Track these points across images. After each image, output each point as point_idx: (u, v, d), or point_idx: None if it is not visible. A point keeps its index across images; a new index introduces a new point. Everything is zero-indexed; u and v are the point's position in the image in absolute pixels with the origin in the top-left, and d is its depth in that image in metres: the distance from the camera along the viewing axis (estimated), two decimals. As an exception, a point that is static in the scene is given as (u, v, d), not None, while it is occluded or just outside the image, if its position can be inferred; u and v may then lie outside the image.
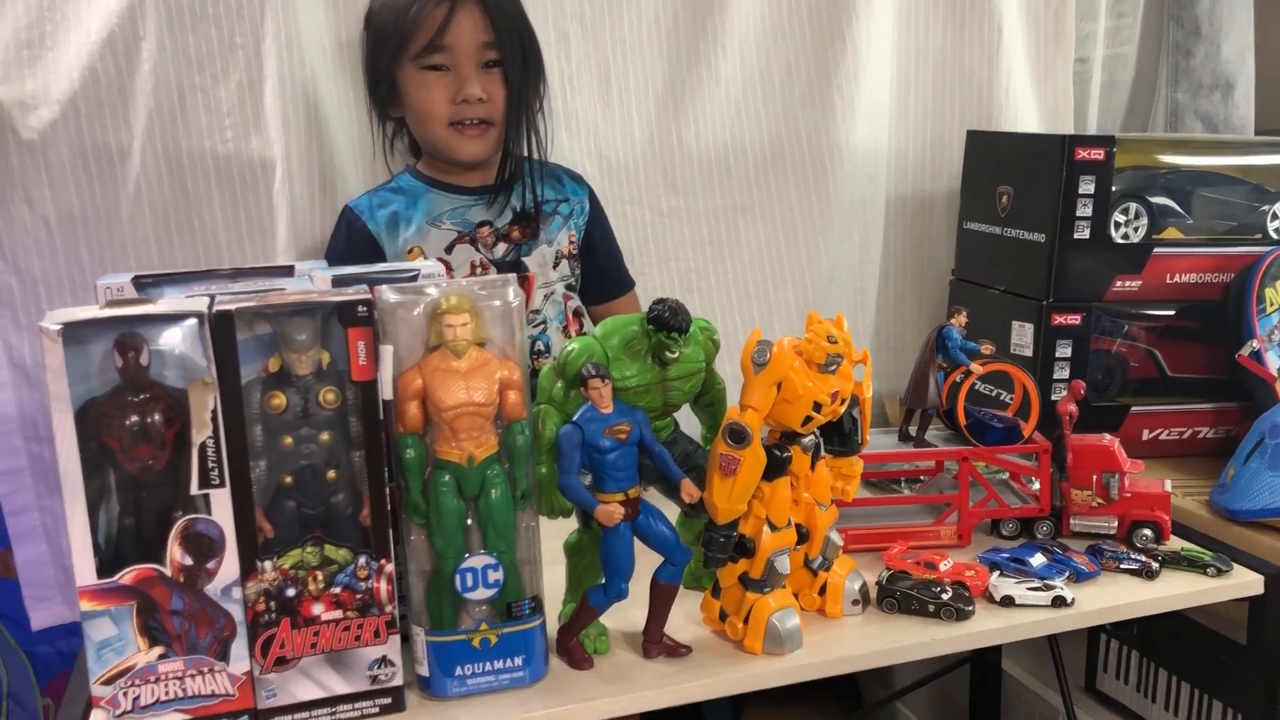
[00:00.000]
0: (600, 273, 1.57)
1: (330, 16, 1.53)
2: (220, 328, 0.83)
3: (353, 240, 1.43)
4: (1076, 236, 1.43)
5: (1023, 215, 1.50)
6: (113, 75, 1.44)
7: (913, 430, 1.24)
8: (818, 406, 0.95)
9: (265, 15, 1.48)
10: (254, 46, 1.49)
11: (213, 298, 0.86)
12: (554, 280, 1.50)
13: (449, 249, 1.44)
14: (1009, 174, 1.55)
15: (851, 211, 1.82)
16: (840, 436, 1.03)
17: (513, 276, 1.01)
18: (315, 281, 0.97)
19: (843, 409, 0.99)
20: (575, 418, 0.92)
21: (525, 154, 1.48)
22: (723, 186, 1.76)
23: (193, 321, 0.82)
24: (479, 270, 1.44)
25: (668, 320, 0.94)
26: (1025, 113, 1.92)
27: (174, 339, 0.82)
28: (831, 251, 1.81)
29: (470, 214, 1.46)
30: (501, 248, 1.46)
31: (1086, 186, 1.41)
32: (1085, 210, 1.42)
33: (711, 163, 1.75)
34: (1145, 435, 1.49)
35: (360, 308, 0.85)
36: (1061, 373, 1.46)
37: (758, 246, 1.79)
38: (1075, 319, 1.45)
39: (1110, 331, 1.49)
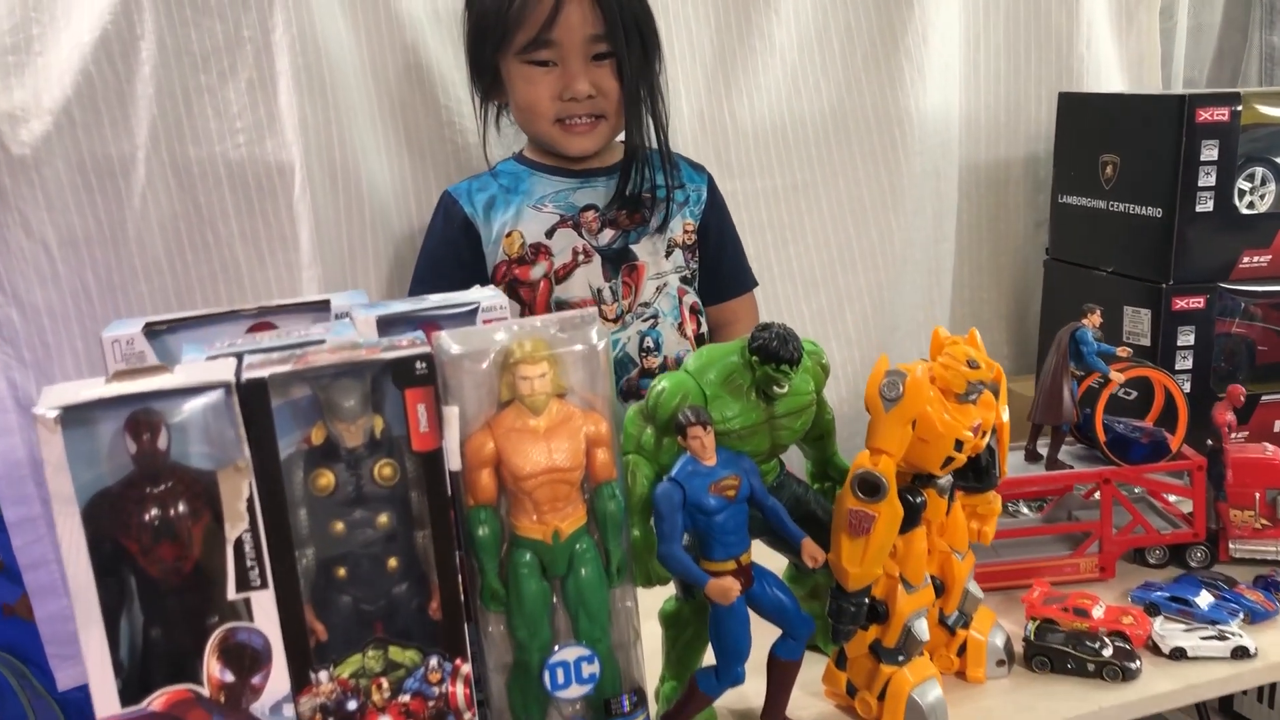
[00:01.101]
0: (717, 268, 1.42)
1: (346, 3, 1.38)
2: (252, 398, 0.68)
3: (449, 225, 1.34)
4: (1198, 209, 1.27)
5: (1133, 187, 1.34)
6: (109, 79, 1.29)
7: (1042, 448, 1.08)
8: (959, 445, 0.80)
9: (274, 4, 1.32)
10: (263, 40, 1.34)
11: (240, 358, 0.72)
12: (667, 271, 1.36)
13: (550, 233, 1.32)
14: (1114, 141, 1.38)
15: (923, 183, 1.66)
16: (976, 471, 0.88)
17: (593, 313, 0.85)
18: (358, 326, 0.82)
19: (985, 442, 0.84)
20: (674, 473, 0.77)
21: (644, 143, 1.33)
22: (781, 164, 1.61)
23: (218, 393, 0.68)
24: (581, 258, 1.32)
25: (775, 351, 0.79)
26: (1108, 65, 1.76)
27: (197, 414, 0.68)
28: (904, 229, 1.65)
29: (575, 197, 1.34)
30: (608, 234, 1.33)
31: (1209, 153, 1.25)
32: (1208, 179, 1.26)
33: (768, 139, 1.60)
34: (1278, 427, 1.33)
35: (419, 364, 0.70)
36: (1184, 363, 1.30)
37: (823, 228, 1.63)
38: (1199, 302, 1.29)
39: (1230, 312, 1.33)
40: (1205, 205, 1.27)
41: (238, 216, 1.36)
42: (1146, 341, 1.31)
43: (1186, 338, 1.30)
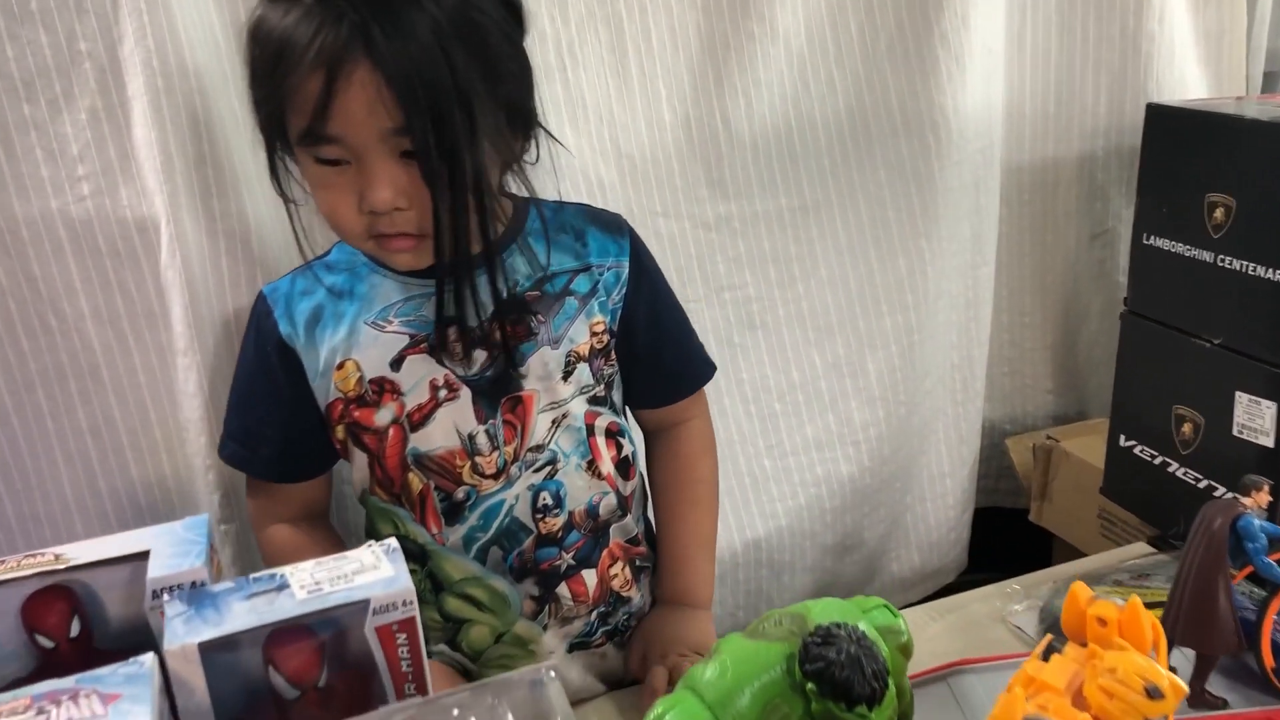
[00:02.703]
0: (655, 366, 1.02)
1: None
2: None
3: (261, 346, 0.95)
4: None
5: (1253, 239, 1.03)
6: (-110, 117, 0.95)
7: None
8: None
9: (120, 6, 0.99)
10: (108, 55, 1.00)
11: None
12: (566, 397, 0.95)
13: (396, 362, 0.92)
14: (1227, 176, 1.05)
15: (961, 199, 1.35)
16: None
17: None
18: (169, 659, 0.51)
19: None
20: None
21: (483, 246, 0.88)
22: (787, 180, 1.29)
23: None
24: (443, 394, 0.92)
25: (848, 684, 0.50)
26: (1182, 43, 1.44)
27: None
28: (938, 256, 1.34)
29: (429, 307, 0.92)
30: (479, 357, 0.92)
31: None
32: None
33: (770, 149, 1.28)
34: None
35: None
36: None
37: (839, 259, 1.32)
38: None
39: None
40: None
41: (88, 291, 1.03)
42: (1269, 441, 1.02)
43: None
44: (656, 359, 1.02)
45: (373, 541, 0.59)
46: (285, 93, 0.81)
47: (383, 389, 0.92)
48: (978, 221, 1.39)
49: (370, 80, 0.78)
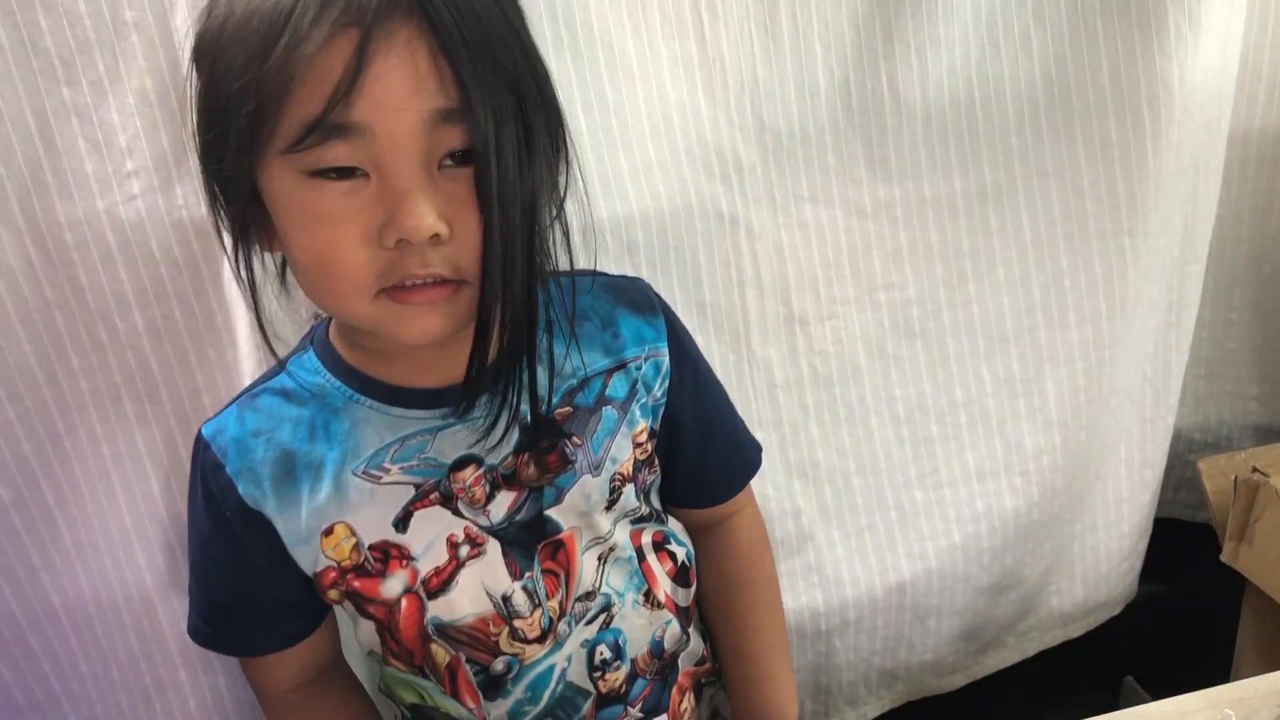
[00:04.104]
0: (708, 466, 0.84)
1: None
2: None
3: (216, 512, 0.73)
4: None
5: None
6: (-86, 106, 0.81)
7: None
8: None
9: (167, -34, 0.82)
10: (158, 24, 0.85)
11: None
12: (609, 530, 0.78)
13: (401, 521, 0.72)
14: None
15: (1177, 184, 1.11)
16: None
17: None
18: None
19: None
20: None
21: (533, 317, 0.68)
22: (964, 161, 1.07)
23: None
24: (465, 551, 0.73)
25: None
26: None
27: None
28: (1142, 255, 1.11)
29: (437, 445, 0.72)
30: (504, 501, 0.73)
31: None
32: None
33: (946, 123, 1.06)
34: None
35: None
36: None
37: (1022, 255, 1.10)
38: None
39: None
40: None
41: (142, 302, 0.90)
42: None
43: None
44: (704, 456, 0.83)
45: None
46: (288, 75, 0.58)
47: (388, 555, 0.73)
48: (1192, 211, 1.15)
49: (417, 45, 0.59)
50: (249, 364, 0.92)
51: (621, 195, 0.98)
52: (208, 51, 0.62)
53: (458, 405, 0.70)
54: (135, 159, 0.86)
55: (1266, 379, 1.34)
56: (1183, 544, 1.37)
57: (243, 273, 0.69)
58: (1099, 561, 1.25)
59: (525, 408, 0.71)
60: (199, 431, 0.74)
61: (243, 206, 0.64)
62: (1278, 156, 1.22)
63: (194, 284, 0.90)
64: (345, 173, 0.61)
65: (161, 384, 0.92)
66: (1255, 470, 1.20)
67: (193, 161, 0.86)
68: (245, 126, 0.59)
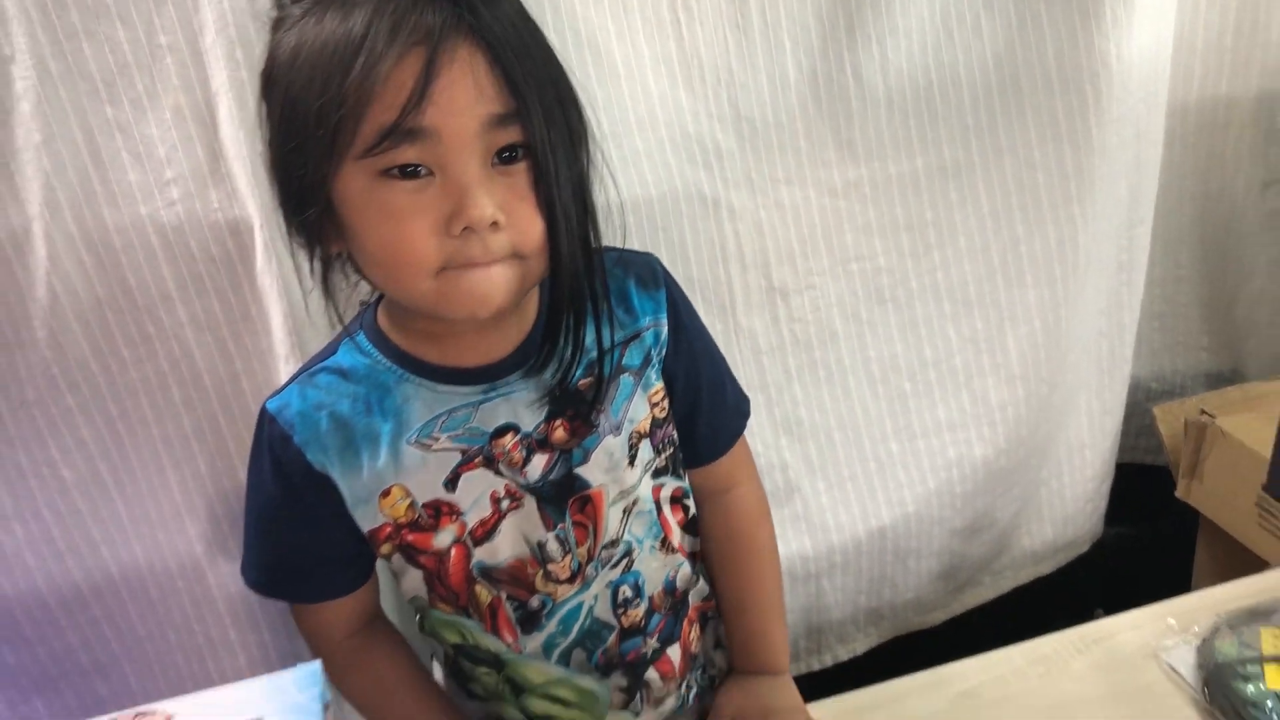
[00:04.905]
0: (691, 421, 0.92)
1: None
2: None
3: (285, 478, 0.82)
4: None
5: None
6: (-25, 126, 0.90)
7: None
8: None
9: (199, -6, 0.91)
10: (189, 46, 0.93)
11: None
12: (634, 483, 0.87)
13: (451, 482, 0.82)
14: None
15: (1120, 155, 1.21)
16: None
17: None
18: None
19: None
20: None
21: (579, 289, 0.79)
22: (924, 141, 1.17)
23: None
24: (506, 504, 0.83)
25: None
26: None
27: None
28: (1092, 221, 1.22)
29: (480, 416, 0.81)
30: (539, 462, 0.83)
31: None
32: None
33: (907, 106, 1.15)
34: None
35: None
36: None
37: (981, 226, 1.20)
38: None
39: None
40: None
41: (184, 298, 0.99)
42: None
43: None
44: (692, 418, 0.92)
45: None
46: (366, 89, 0.67)
47: (439, 512, 0.82)
48: (1137, 177, 1.25)
49: (475, 58, 0.68)
50: (282, 349, 1.02)
51: (612, 184, 1.08)
52: (281, 78, 0.72)
53: (504, 378, 0.81)
54: (173, 168, 0.95)
55: (1214, 331, 1.44)
56: (1144, 486, 1.48)
57: (316, 266, 0.79)
58: (1065, 503, 1.36)
59: (551, 378, 0.81)
60: (264, 407, 0.83)
61: (320, 212, 0.73)
62: (1214, 125, 1.32)
63: (230, 279, 1.00)
64: (411, 173, 0.70)
65: (204, 371, 1.02)
66: (1204, 413, 1.31)
67: (227, 169, 0.96)
68: (326, 136, 0.69)
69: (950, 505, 1.27)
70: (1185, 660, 0.94)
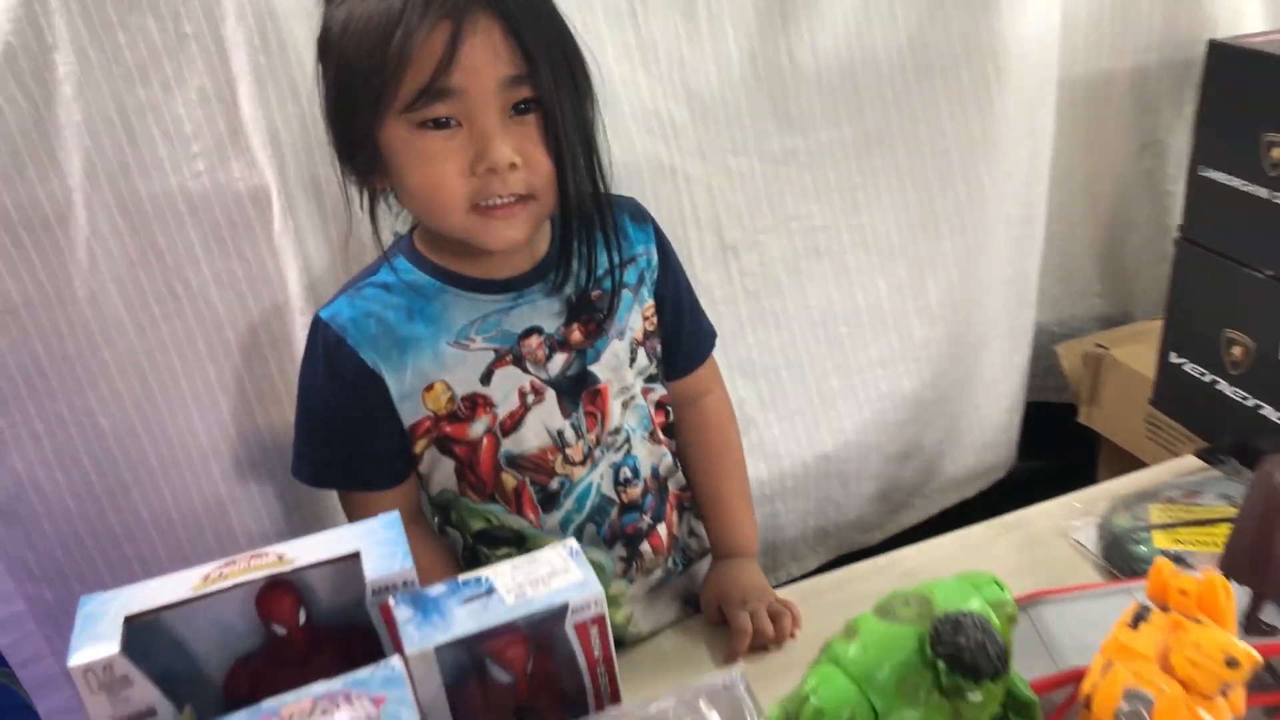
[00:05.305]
0: (675, 339, 1.09)
1: (311, -21, 1.08)
2: None
3: (338, 379, 0.95)
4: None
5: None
6: (22, 107, 1.01)
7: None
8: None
9: (221, -15, 1.03)
10: (212, 36, 1.05)
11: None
12: (632, 382, 1.04)
13: (486, 377, 0.97)
14: (1287, 118, 1.10)
15: (1018, 123, 1.39)
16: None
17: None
18: (409, 634, 0.61)
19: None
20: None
21: (588, 217, 0.97)
22: (851, 111, 1.33)
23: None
24: (531, 398, 0.98)
25: (974, 664, 0.60)
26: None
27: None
28: (997, 179, 1.39)
29: (509, 320, 0.97)
30: (559, 360, 0.99)
31: None
32: None
33: (835, 81, 1.31)
34: None
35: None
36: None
37: (901, 186, 1.37)
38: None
39: None
40: None
41: (208, 259, 1.11)
42: (1321, 370, 1.10)
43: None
44: (677, 331, 1.09)
45: (560, 544, 0.67)
46: (404, 56, 0.82)
47: (475, 404, 0.97)
48: (1033, 142, 1.43)
49: (492, 28, 0.83)
50: (297, 304, 1.14)
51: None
52: (334, 47, 0.87)
53: (529, 288, 0.97)
54: (199, 143, 1.07)
55: (1107, 278, 1.63)
56: (1052, 422, 1.66)
57: (364, 203, 0.95)
58: (984, 432, 1.54)
59: (570, 289, 0.98)
60: (316, 315, 0.97)
61: (368, 155, 0.89)
62: (1097, 96, 1.51)
63: (250, 242, 1.12)
64: (442, 124, 0.86)
65: (227, 324, 1.13)
66: (1099, 346, 1.50)
67: (246, 143, 1.08)
68: (372, 95, 0.84)
69: (884, 433, 1.44)
70: (1089, 536, 1.11)
